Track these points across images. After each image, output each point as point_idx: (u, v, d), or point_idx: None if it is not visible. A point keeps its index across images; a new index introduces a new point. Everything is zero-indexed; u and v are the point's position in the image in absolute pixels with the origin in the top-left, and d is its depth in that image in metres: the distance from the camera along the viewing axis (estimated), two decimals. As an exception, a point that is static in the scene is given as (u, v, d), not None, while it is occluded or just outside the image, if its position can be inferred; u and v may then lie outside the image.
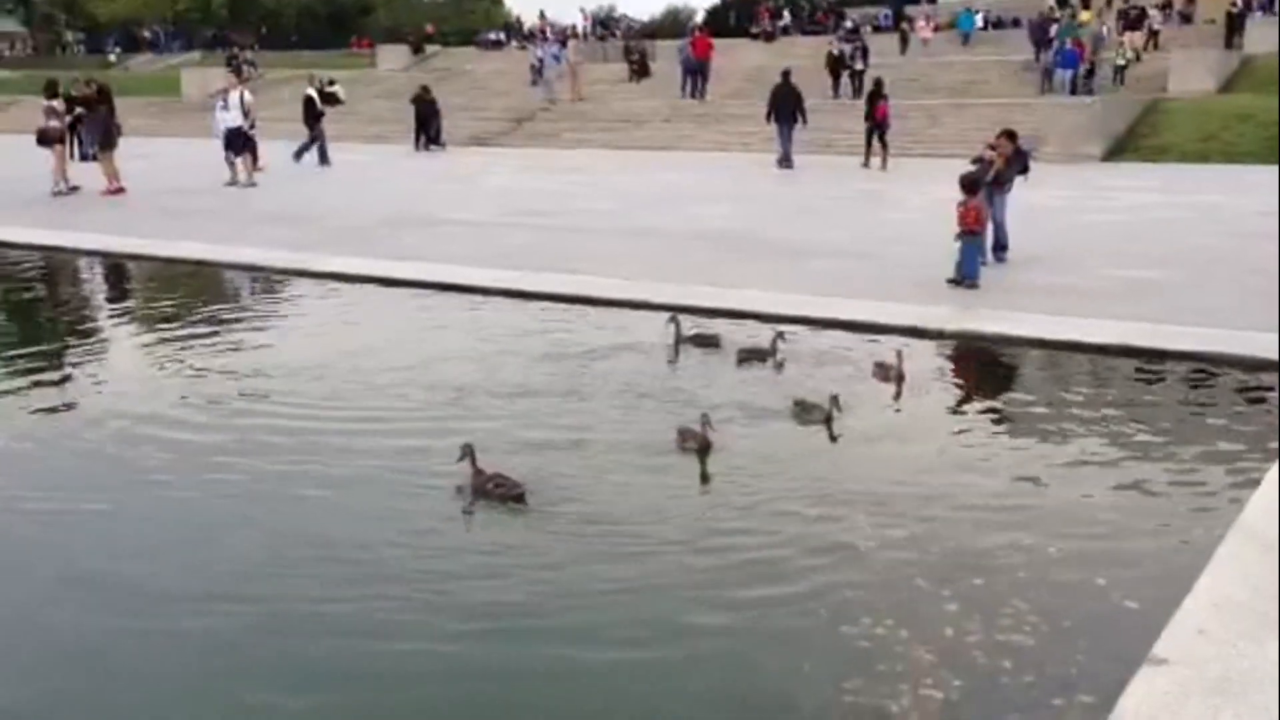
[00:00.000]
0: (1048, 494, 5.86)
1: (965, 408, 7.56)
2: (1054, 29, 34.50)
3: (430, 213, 16.78)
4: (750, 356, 8.39)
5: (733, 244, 13.55)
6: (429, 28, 57.29)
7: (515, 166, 25.02)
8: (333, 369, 8.23)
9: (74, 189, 19.27)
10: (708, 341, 8.72)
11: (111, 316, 11.05)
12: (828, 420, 6.84)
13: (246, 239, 13.93)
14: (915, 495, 5.80)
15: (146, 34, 68.62)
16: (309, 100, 25.86)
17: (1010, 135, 12.21)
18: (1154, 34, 37.92)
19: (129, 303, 11.94)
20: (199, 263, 12.72)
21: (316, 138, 25.43)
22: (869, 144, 23.57)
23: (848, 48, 33.76)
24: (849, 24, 47.08)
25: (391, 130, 32.96)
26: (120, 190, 19.29)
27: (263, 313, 10.78)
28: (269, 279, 12.00)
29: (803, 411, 6.97)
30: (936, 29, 42.92)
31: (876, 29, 47.77)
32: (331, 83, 40.80)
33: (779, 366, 8.22)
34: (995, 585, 4.83)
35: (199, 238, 13.98)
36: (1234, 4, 38.54)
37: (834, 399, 6.88)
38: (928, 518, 5.52)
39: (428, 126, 29.80)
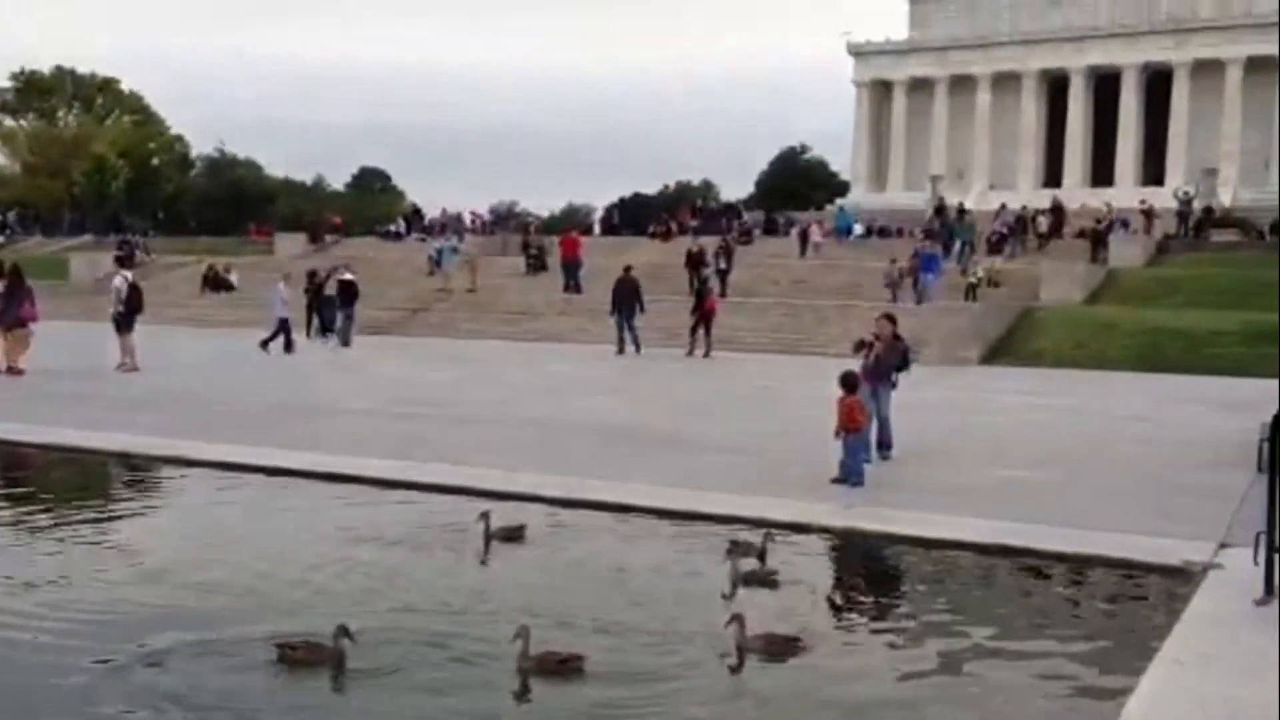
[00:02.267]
0: (921, 701, 5.77)
1: (838, 606, 7.57)
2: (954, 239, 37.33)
3: (320, 401, 16.58)
4: (739, 550, 7.94)
5: (620, 437, 13.58)
6: (336, 219, 57.51)
7: (410, 356, 25.01)
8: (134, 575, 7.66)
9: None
10: (513, 535, 8.47)
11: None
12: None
13: (122, 424, 13.51)
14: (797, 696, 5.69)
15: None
16: (345, 284, 27.79)
17: (890, 319, 12.52)
18: (1041, 237, 41.48)
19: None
20: (68, 449, 12.26)
21: (349, 317, 27.44)
22: (694, 334, 25.71)
23: (710, 247, 35.25)
24: (743, 223, 49.07)
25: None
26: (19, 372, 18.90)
27: (105, 505, 10.31)
28: (138, 467, 11.60)
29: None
30: (826, 234, 44.87)
31: (768, 230, 49.75)
32: (228, 269, 40.81)
33: (769, 577, 7.71)
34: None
35: (73, 423, 13.53)
36: (1098, 221, 41.16)
37: (738, 619, 6.12)
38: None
39: (324, 313, 29.55)
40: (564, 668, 5.74)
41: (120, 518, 9.66)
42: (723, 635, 6.19)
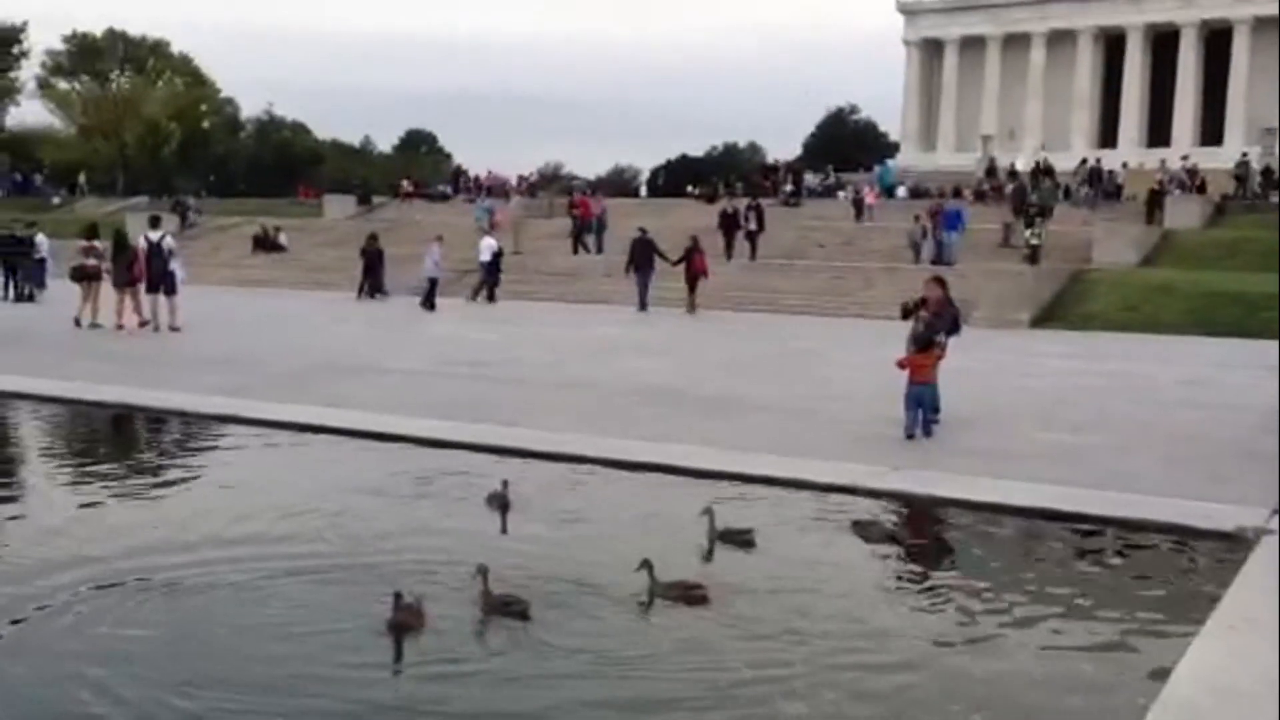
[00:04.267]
0: (967, 663, 5.73)
1: (876, 568, 7.49)
2: (1033, 195, 36.67)
3: (368, 360, 16.72)
4: (866, 531, 7.90)
5: (668, 398, 13.58)
6: (406, 184, 57.50)
7: (456, 316, 25.15)
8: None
9: (95, 326, 20.43)
10: (503, 502, 8.22)
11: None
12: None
13: (178, 384, 13.69)
14: (837, 661, 5.69)
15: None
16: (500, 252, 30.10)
17: (940, 282, 12.27)
18: (1119, 188, 43.10)
19: (27, 450, 11.22)
20: (126, 407, 12.46)
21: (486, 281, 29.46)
22: (692, 292, 26.79)
23: (741, 208, 35.00)
24: (789, 188, 48.55)
25: (334, 278, 33.10)
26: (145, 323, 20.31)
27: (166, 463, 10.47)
28: (195, 425, 11.75)
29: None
30: (878, 197, 44.36)
31: (816, 193, 49.30)
32: (278, 230, 41.18)
33: (745, 536, 7.59)
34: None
35: (128, 381, 13.72)
36: (1157, 182, 40.44)
37: (647, 565, 6.41)
38: (840, 684, 5.39)
39: (374, 275, 30.06)
40: (507, 609, 5.98)
41: (131, 473, 9.70)
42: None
